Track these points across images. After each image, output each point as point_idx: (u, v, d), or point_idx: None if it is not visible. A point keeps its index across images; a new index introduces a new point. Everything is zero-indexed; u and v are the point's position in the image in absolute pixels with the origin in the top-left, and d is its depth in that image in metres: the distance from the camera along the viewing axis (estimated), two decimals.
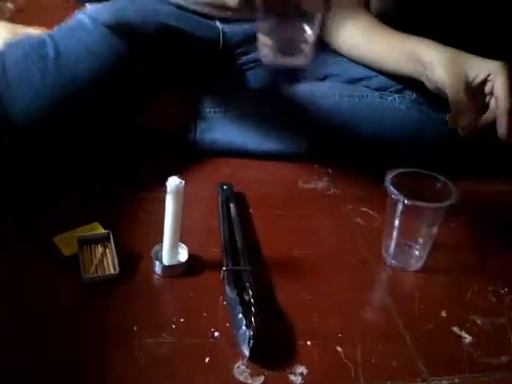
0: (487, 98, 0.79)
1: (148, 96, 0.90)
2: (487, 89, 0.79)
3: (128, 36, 0.84)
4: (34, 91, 0.77)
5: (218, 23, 0.97)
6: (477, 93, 0.78)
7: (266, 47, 0.62)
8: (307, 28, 0.62)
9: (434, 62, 0.79)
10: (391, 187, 0.69)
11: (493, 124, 0.77)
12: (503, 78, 0.76)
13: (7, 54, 0.82)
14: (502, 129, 0.75)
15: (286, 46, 0.63)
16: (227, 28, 0.98)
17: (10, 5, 1.60)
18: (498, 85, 0.76)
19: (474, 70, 0.78)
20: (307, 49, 0.63)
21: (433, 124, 0.89)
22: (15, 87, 0.77)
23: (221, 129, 0.91)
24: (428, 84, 0.82)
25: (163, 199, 0.67)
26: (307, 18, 0.62)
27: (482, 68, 0.78)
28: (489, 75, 0.77)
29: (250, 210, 0.82)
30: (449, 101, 0.77)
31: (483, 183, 0.92)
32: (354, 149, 0.89)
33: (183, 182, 0.65)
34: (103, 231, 0.73)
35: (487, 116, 0.78)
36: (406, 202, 0.68)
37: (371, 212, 0.83)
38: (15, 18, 1.47)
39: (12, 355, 0.58)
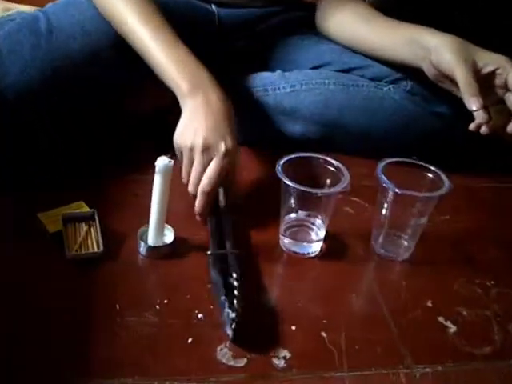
0: (499, 92, 0.78)
1: (138, 78, 0.89)
2: (498, 82, 0.77)
3: None
4: (25, 64, 0.76)
5: (213, 7, 0.96)
6: (485, 83, 0.77)
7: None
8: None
9: (440, 46, 0.77)
10: (382, 176, 0.69)
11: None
12: None
13: None
14: None
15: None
16: (223, 12, 0.96)
17: None
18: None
19: (481, 60, 0.76)
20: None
21: (426, 115, 0.88)
22: (6, 60, 0.76)
23: None
24: (428, 70, 0.81)
25: (151, 182, 0.66)
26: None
27: (490, 60, 0.76)
28: (497, 69, 0.76)
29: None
30: (460, 85, 0.75)
31: (475, 177, 0.92)
32: (347, 137, 0.89)
33: (172, 161, 0.65)
34: (88, 210, 0.72)
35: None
36: (395, 190, 0.67)
37: (361, 202, 0.83)
38: None
39: None
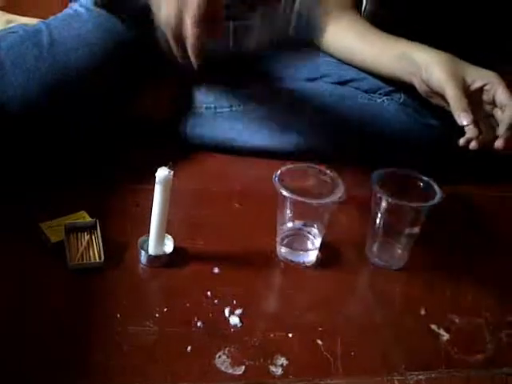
0: (487, 107, 0.79)
1: (139, 86, 0.90)
2: (486, 97, 0.79)
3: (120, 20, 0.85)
4: (28, 76, 0.78)
5: None
6: (474, 99, 0.78)
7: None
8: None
9: (430, 63, 0.79)
10: (376, 185, 0.70)
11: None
12: (503, 86, 0.77)
13: (2, 39, 0.83)
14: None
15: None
16: None
17: None
18: (500, 92, 0.76)
19: (469, 76, 0.78)
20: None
21: (419, 127, 0.90)
22: (9, 72, 0.78)
23: (211, 125, 0.92)
24: (419, 86, 0.82)
25: (152, 191, 0.67)
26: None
27: (478, 76, 0.78)
28: (485, 85, 0.78)
29: (236, 205, 0.83)
30: (450, 102, 0.77)
31: (469, 187, 0.93)
32: (343, 148, 0.90)
33: (172, 172, 0.66)
34: (90, 219, 0.73)
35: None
36: (389, 200, 0.69)
37: (356, 211, 0.84)
38: (9, 7, 1.48)
39: None
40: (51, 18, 0.89)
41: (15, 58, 0.80)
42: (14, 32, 0.90)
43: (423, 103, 0.88)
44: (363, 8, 1.08)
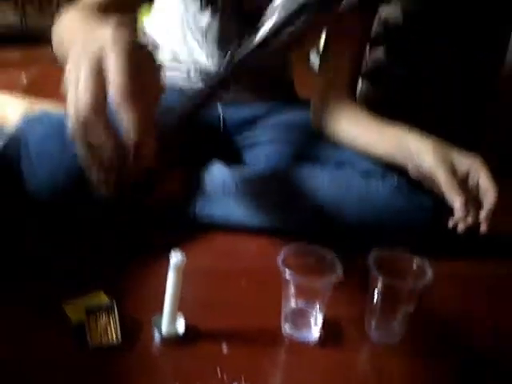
0: (474, 192, 0.85)
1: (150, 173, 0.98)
2: (471, 183, 0.85)
3: None
4: (53, 167, 0.87)
5: (219, 107, 1.07)
6: (462, 182, 0.84)
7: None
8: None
9: (421, 149, 0.87)
10: (372, 266, 0.76)
11: None
12: (485, 171, 0.83)
13: (29, 131, 0.92)
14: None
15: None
16: (227, 111, 1.07)
17: (23, 77, 1.70)
18: (482, 177, 0.83)
19: (456, 160, 0.85)
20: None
21: (413, 209, 0.95)
22: (36, 163, 0.87)
23: (218, 205, 0.98)
24: (412, 170, 0.90)
25: (163, 268, 0.73)
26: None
27: (462, 162, 0.85)
28: (469, 170, 0.84)
29: (243, 283, 0.89)
30: (442, 185, 0.82)
31: (463, 264, 0.98)
32: (340, 230, 0.96)
33: (185, 257, 0.72)
34: (108, 301, 0.79)
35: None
36: (384, 280, 0.75)
37: (356, 287, 0.89)
38: (29, 89, 1.58)
39: None
40: None
41: (42, 149, 0.88)
42: (39, 121, 0.98)
43: (416, 185, 0.94)
44: (358, 89, 1.17)
